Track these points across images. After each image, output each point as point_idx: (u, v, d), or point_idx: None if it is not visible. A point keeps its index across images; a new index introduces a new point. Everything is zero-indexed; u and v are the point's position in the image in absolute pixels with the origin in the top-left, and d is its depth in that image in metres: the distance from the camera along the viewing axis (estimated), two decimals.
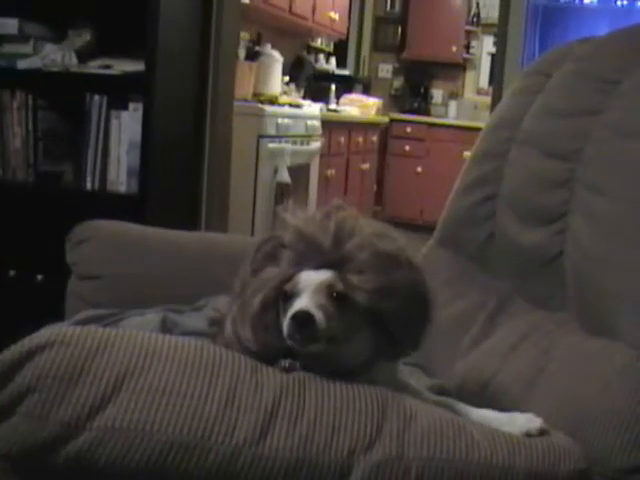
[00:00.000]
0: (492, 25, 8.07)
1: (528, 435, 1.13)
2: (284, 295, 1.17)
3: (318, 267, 1.18)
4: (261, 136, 4.53)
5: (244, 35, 5.29)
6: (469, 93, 9.01)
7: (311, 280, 1.16)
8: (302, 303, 1.14)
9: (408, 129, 8.52)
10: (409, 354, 1.30)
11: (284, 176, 4.67)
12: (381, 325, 1.19)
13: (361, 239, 1.20)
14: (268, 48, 5.53)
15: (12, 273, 3.18)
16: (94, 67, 3.11)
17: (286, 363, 1.14)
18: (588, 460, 1.10)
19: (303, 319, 1.12)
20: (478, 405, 1.28)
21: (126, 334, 1.11)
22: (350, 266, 1.18)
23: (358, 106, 7.13)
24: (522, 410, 1.22)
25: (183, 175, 3.46)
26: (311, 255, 1.20)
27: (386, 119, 8.10)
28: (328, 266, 1.18)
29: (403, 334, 1.22)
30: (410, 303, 1.20)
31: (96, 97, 3.08)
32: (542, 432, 1.14)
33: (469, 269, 1.84)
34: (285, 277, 1.19)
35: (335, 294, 1.15)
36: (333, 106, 6.74)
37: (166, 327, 1.55)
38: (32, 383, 1.02)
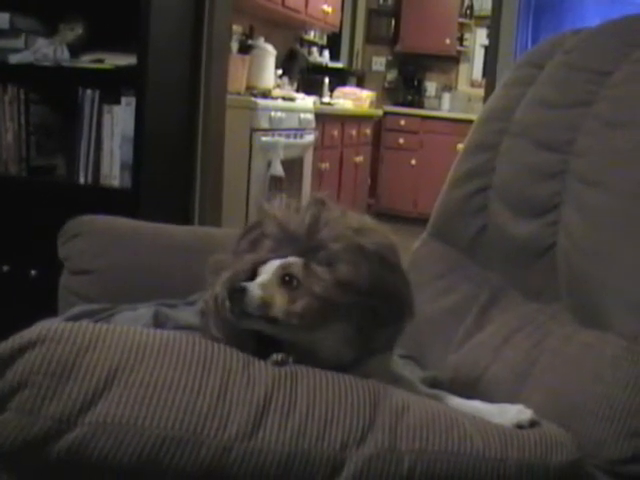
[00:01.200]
0: (485, 17, 8.07)
1: (519, 426, 1.13)
2: (245, 279, 1.20)
3: (291, 255, 1.21)
4: (254, 129, 4.53)
5: (237, 28, 5.28)
6: (463, 85, 9.01)
7: (273, 265, 1.19)
8: (249, 282, 1.17)
9: (402, 122, 8.51)
10: (387, 350, 1.29)
11: (278, 169, 4.67)
12: (352, 319, 1.19)
13: (336, 231, 1.21)
14: (261, 41, 5.53)
15: (5, 268, 3.17)
16: (86, 61, 3.11)
17: (278, 357, 1.14)
18: (580, 451, 1.10)
19: (236, 292, 1.15)
20: (471, 397, 1.28)
21: (117, 329, 1.11)
22: (319, 256, 1.19)
23: (352, 99, 7.12)
24: (514, 402, 1.22)
25: (176, 169, 3.46)
26: (286, 244, 1.22)
27: (380, 112, 8.10)
28: (300, 254, 1.20)
29: (372, 330, 1.21)
30: (377, 300, 1.19)
31: (88, 91, 3.08)
32: (533, 423, 1.14)
33: (462, 261, 1.83)
34: (256, 263, 1.22)
35: (288, 278, 1.17)
36: (326, 99, 6.74)
37: (159, 321, 1.55)
38: (23, 379, 1.01)
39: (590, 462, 1.14)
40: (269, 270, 1.19)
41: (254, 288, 1.15)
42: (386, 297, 1.21)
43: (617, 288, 1.28)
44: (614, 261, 1.30)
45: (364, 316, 1.19)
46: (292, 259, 1.20)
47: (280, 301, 1.16)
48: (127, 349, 1.07)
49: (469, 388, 1.46)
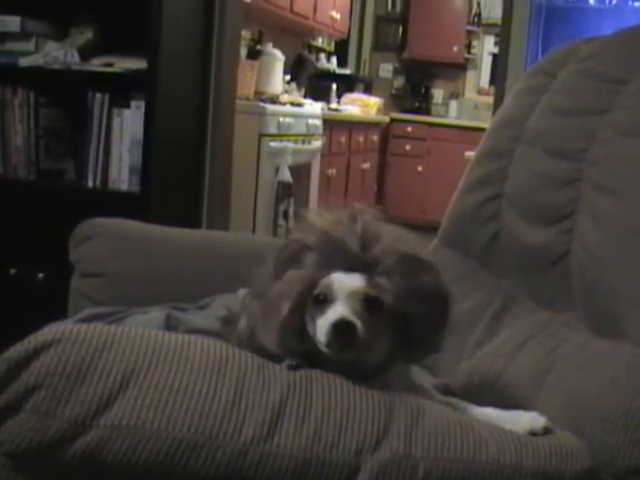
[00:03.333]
0: (493, 25, 8.10)
1: (532, 434, 1.13)
2: (315, 299, 1.16)
3: (346, 271, 1.18)
4: (262, 135, 4.53)
5: (245, 34, 5.28)
6: (470, 93, 9.01)
7: (345, 285, 1.16)
8: (340, 311, 1.13)
9: (409, 128, 8.52)
10: (428, 357, 1.30)
11: (285, 175, 4.67)
12: (404, 328, 1.18)
13: (387, 243, 1.20)
14: (269, 47, 5.53)
15: (13, 271, 3.17)
16: (96, 65, 3.11)
17: (293, 361, 1.14)
18: (595, 459, 1.10)
19: (345, 328, 1.11)
20: (484, 404, 1.27)
21: (132, 331, 1.11)
22: (378, 269, 1.17)
23: (359, 105, 7.13)
24: (528, 409, 1.22)
25: (185, 173, 3.46)
26: (338, 258, 1.19)
27: (387, 119, 8.11)
28: (356, 270, 1.18)
29: (426, 337, 1.22)
30: (434, 305, 1.20)
31: (98, 95, 3.08)
32: (546, 431, 1.14)
33: (474, 269, 1.83)
34: (312, 280, 1.18)
35: (367, 300, 1.15)
36: (334, 105, 6.75)
37: (170, 325, 1.55)
38: (38, 381, 1.01)
39: (604, 471, 1.13)
40: (343, 292, 1.15)
41: (357, 322, 1.12)
42: (440, 302, 1.21)
43: (632, 296, 1.27)
44: (629, 269, 1.30)
45: (423, 323, 1.19)
46: (359, 277, 1.17)
47: (369, 329, 1.14)
48: (142, 352, 1.07)
49: (482, 395, 1.45)
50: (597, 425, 1.18)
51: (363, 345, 1.13)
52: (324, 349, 1.13)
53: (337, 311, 1.13)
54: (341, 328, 1.11)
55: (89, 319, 1.59)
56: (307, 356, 1.17)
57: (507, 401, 1.37)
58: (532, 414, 1.17)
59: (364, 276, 1.17)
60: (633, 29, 1.63)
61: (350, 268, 1.18)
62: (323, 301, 1.15)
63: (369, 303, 1.15)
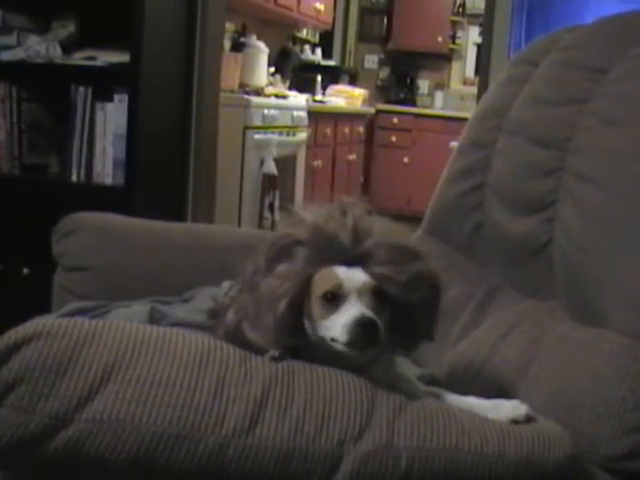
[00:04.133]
0: (477, 15, 8.09)
1: (514, 422, 1.13)
2: (324, 296, 1.15)
3: (339, 264, 1.18)
4: (247, 127, 4.52)
5: (229, 26, 5.27)
6: (455, 83, 9.02)
7: (354, 281, 1.16)
8: (359, 308, 1.13)
9: (394, 120, 8.52)
10: (420, 345, 1.30)
11: (271, 167, 4.66)
12: (402, 317, 1.19)
13: (378, 235, 1.20)
14: (253, 39, 5.52)
15: None
16: (78, 58, 3.10)
17: (276, 352, 1.14)
18: (578, 447, 1.10)
19: (368, 325, 1.11)
20: (468, 394, 1.27)
21: (113, 325, 1.11)
22: (372, 262, 1.17)
23: (344, 97, 7.12)
24: (511, 398, 1.22)
25: (169, 166, 3.45)
26: (331, 252, 1.19)
27: (372, 110, 8.10)
28: (349, 263, 1.18)
29: (421, 324, 1.23)
30: (430, 292, 1.21)
31: (81, 89, 3.07)
32: (528, 419, 1.14)
33: (458, 259, 1.83)
34: (307, 275, 1.18)
35: (375, 293, 1.15)
36: (319, 97, 6.73)
37: (154, 318, 1.54)
38: (19, 375, 1.01)
39: (587, 458, 1.14)
40: (353, 288, 1.15)
41: (377, 319, 1.12)
42: (435, 289, 1.23)
43: (614, 285, 1.28)
44: (611, 258, 1.30)
45: (421, 311, 1.21)
46: (361, 271, 1.17)
47: (382, 323, 1.14)
48: (123, 345, 1.06)
49: (466, 384, 1.46)
50: (579, 414, 1.19)
51: (382, 341, 1.13)
52: (341, 347, 1.13)
53: (356, 309, 1.13)
54: (364, 326, 1.11)
55: (72, 313, 1.59)
56: (293, 349, 1.17)
57: (491, 390, 1.37)
58: (514, 402, 1.18)
59: (362, 269, 1.17)
60: (612, 18, 1.63)
61: (343, 262, 1.18)
62: (332, 299, 1.15)
63: (377, 296, 1.16)
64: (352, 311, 1.13)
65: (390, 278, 1.16)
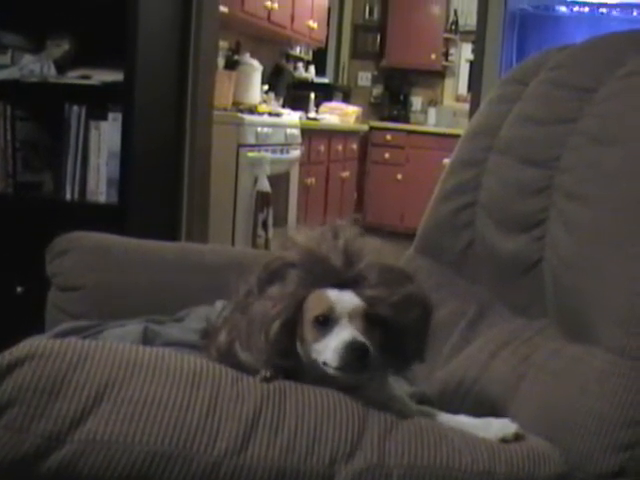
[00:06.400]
0: (470, 33, 8.10)
1: (503, 440, 1.14)
2: (315, 320, 1.16)
3: (332, 287, 1.18)
4: (241, 145, 4.54)
5: (223, 44, 5.29)
6: (448, 100, 9.05)
7: (346, 304, 1.16)
8: (349, 331, 1.13)
9: (388, 136, 8.54)
10: (412, 366, 1.30)
11: (264, 185, 4.68)
12: (393, 339, 1.19)
13: (370, 258, 1.21)
14: (247, 57, 5.54)
15: None
16: (73, 77, 3.11)
17: (267, 373, 1.14)
18: (568, 464, 1.11)
19: (359, 349, 1.12)
20: (458, 412, 1.28)
21: (106, 346, 1.11)
22: (364, 284, 1.18)
23: (338, 114, 7.15)
24: (502, 416, 1.23)
25: (163, 185, 3.46)
26: (323, 275, 1.19)
27: (366, 127, 8.13)
28: (342, 286, 1.19)
29: (413, 345, 1.23)
30: (422, 315, 1.22)
31: (75, 107, 3.08)
32: (518, 437, 1.15)
33: (449, 276, 1.84)
34: (299, 298, 1.18)
35: (367, 316, 1.16)
36: (312, 114, 6.76)
37: (147, 338, 1.55)
38: (12, 396, 1.01)
39: (578, 476, 1.14)
40: (344, 311, 1.15)
41: (368, 343, 1.12)
42: (426, 311, 1.23)
43: (603, 303, 1.28)
44: (600, 276, 1.31)
45: (412, 333, 1.21)
46: (352, 294, 1.17)
47: (374, 347, 1.14)
48: (116, 366, 1.07)
49: (457, 403, 1.46)
50: (570, 431, 1.19)
51: (373, 365, 1.13)
52: (332, 371, 1.13)
53: (347, 332, 1.13)
54: (355, 350, 1.12)
55: (65, 333, 1.59)
56: (285, 369, 1.18)
57: (482, 409, 1.38)
58: (504, 421, 1.19)
59: (354, 292, 1.18)
60: (600, 38, 1.65)
61: (335, 284, 1.19)
62: (324, 322, 1.15)
63: (368, 319, 1.16)
64: (343, 335, 1.13)
65: (381, 300, 1.17)
